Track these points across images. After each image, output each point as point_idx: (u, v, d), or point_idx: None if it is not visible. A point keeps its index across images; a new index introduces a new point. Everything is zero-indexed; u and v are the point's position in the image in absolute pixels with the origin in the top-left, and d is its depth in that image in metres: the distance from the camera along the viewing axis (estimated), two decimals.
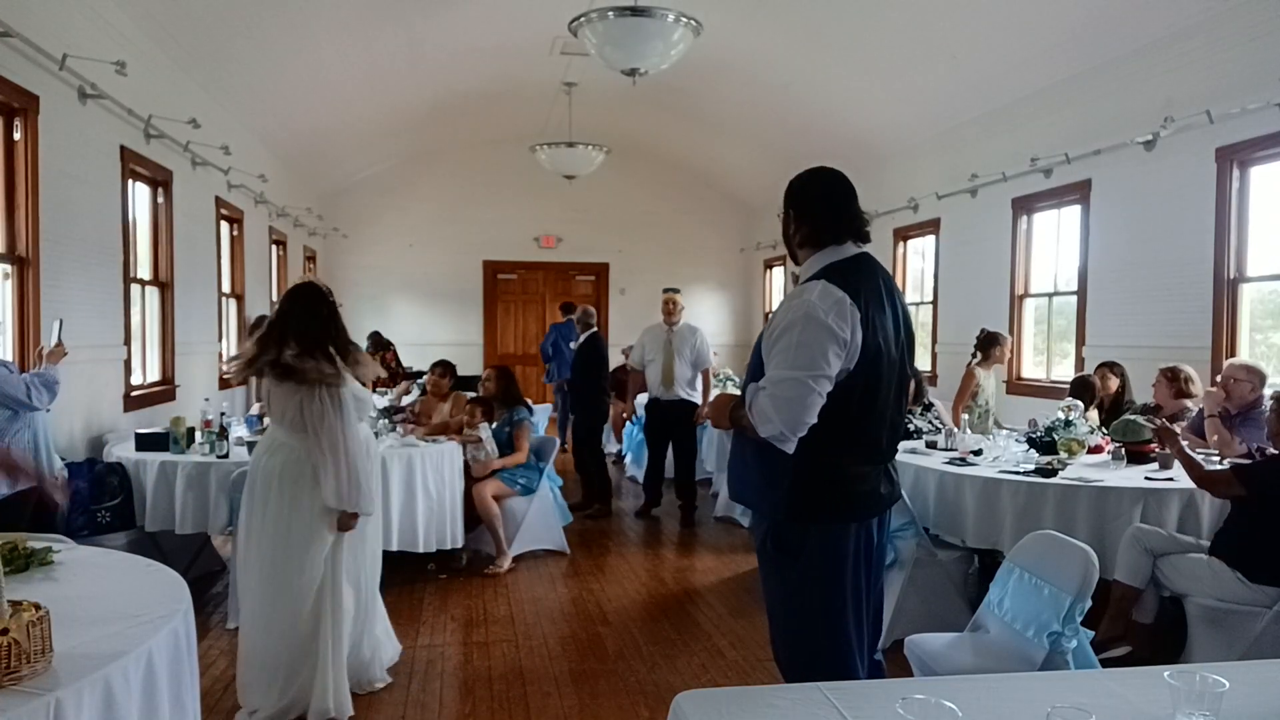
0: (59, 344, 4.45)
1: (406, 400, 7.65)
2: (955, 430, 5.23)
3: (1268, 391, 4.58)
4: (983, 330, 6.92)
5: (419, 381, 7.56)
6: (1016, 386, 7.91)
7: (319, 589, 3.55)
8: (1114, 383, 5.94)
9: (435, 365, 6.50)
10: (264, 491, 3.56)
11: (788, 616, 2.62)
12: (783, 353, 2.45)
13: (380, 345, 11.75)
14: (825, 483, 2.51)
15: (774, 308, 14.69)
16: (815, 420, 2.43)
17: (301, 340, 3.53)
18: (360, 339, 12.49)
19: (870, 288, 2.53)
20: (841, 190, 2.65)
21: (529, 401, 6.51)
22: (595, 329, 7.91)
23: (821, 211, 2.62)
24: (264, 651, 3.52)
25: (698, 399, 7.22)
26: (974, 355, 6.76)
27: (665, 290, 7.42)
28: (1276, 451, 3.84)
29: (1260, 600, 3.60)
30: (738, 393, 2.74)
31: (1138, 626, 3.98)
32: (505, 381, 6.12)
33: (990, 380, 6.74)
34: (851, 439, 2.52)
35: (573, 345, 8.19)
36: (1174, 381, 5.20)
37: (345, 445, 3.49)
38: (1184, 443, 4.05)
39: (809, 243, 2.64)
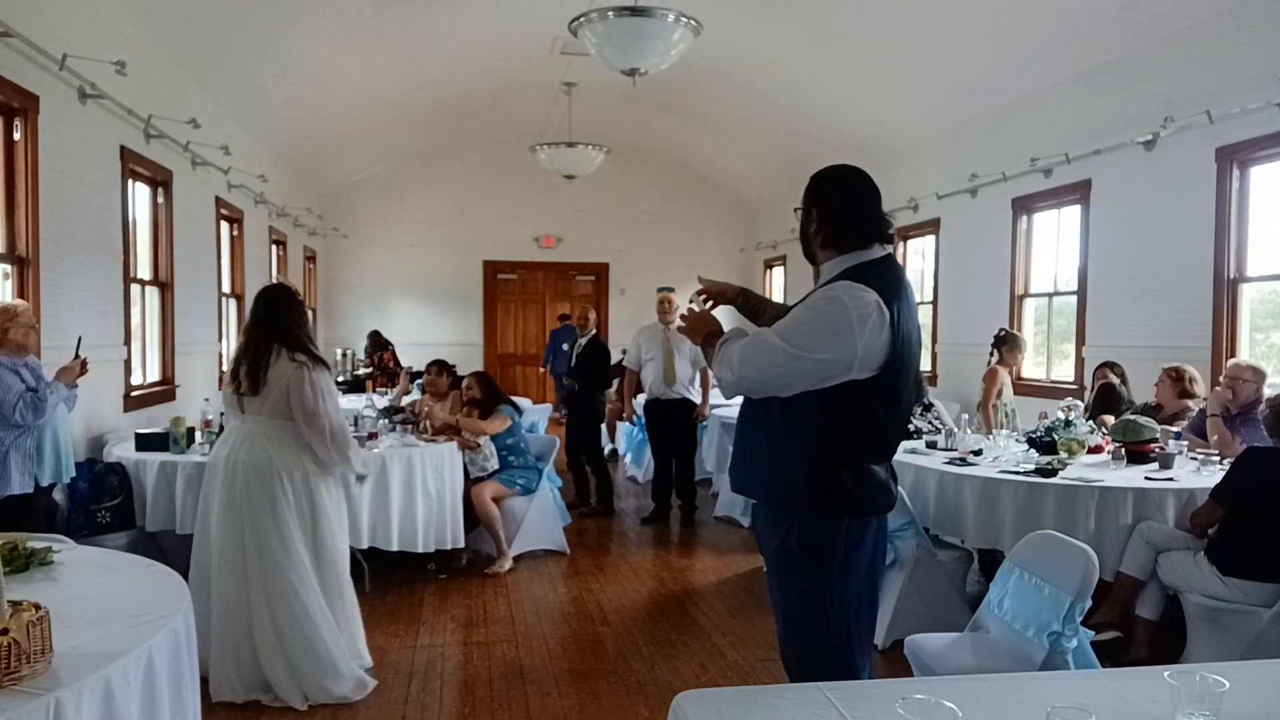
0: (75, 359, 4.42)
1: (405, 400, 7.64)
2: (956, 430, 5.23)
3: (1268, 391, 4.59)
4: (1000, 330, 6.93)
5: (416, 382, 7.56)
6: (1017, 387, 7.90)
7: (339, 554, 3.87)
8: (1114, 381, 5.94)
9: (431, 365, 6.49)
10: (257, 485, 3.67)
11: (807, 616, 2.54)
12: (790, 323, 2.39)
13: (379, 345, 11.76)
14: (843, 473, 2.44)
15: None
16: (785, 395, 2.38)
17: (281, 339, 3.73)
18: (360, 338, 12.58)
19: (900, 292, 2.44)
20: (869, 189, 2.57)
21: (514, 400, 6.53)
22: (595, 332, 7.90)
23: (850, 212, 2.52)
24: (309, 631, 3.68)
25: (698, 398, 7.21)
26: (992, 355, 6.76)
27: (660, 289, 7.40)
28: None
29: (1237, 596, 3.66)
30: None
31: (1142, 623, 4.01)
32: (488, 385, 6.12)
33: (1008, 380, 6.74)
34: (871, 438, 2.47)
35: (566, 347, 8.16)
36: (1178, 381, 5.21)
37: (334, 426, 3.74)
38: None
39: (833, 244, 2.53)
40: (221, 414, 5.17)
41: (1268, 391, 4.59)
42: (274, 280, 4.23)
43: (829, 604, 2.50)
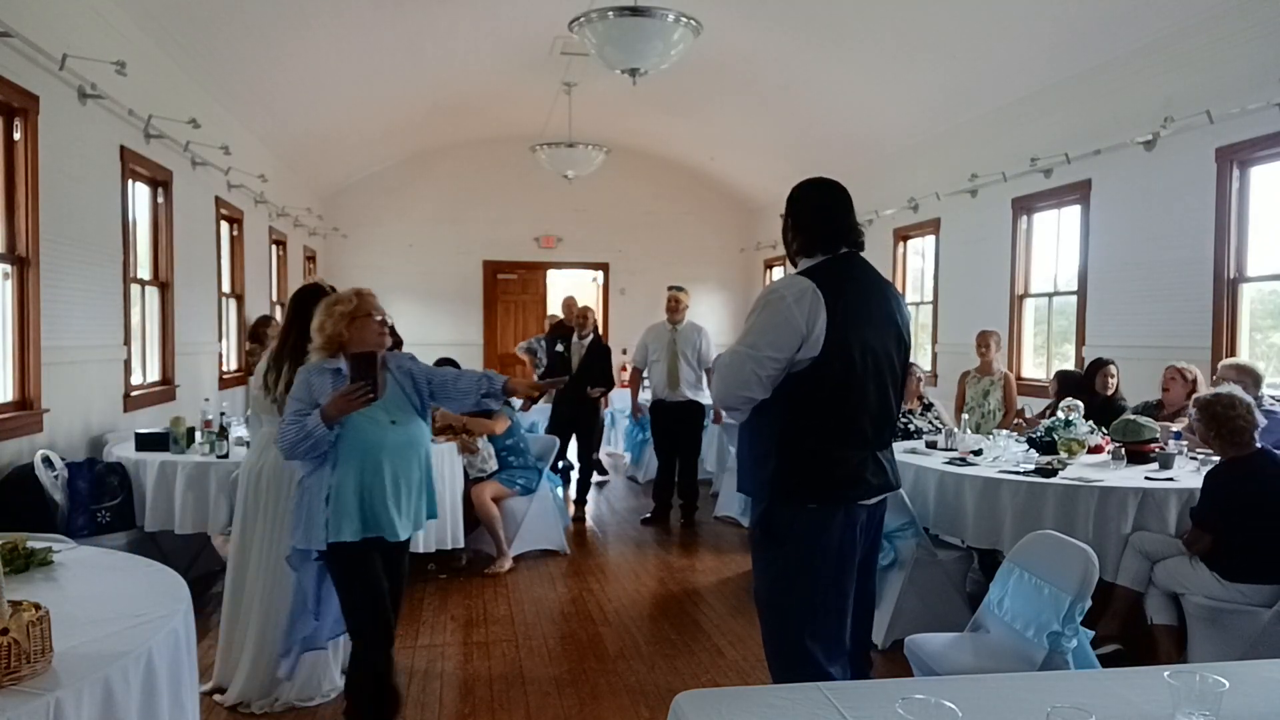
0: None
1: None
2: (955, 430, 5.23)
3: (1267, 392, 4.58)
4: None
5: None
6: (1017, 387, 7.89)
7: None
8: (1110, 381, 5.93)
9: None
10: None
11: (770, 601, 2.72)
12: (744, 329, 2.67)
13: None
14: (804, 463, 2.62)
15: None
16: (760, 394, 2.60)
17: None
18: None
19: (851, 284, 2.66)
20: (837, 200, 2.78)
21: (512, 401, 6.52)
22: (593, 334, 7.81)
23: (817, 221, 2.76)
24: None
25: (704, 399, 7.17)
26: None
27: (670, 288, 7.34)
28: (1209, 450, 3.95)
29: (1237, 598, 3.65)
30: None
31: (1162, 630, 3.95)
32: None
33: (981, 385, 6.70)
34: (829, 424, 2.62)
35: (560, 348, 8.02)
36: (1188, 382, 5.23)
37: None
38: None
39: (804, 250, 2.78)
40: (223, 414, 5.18)
41: (1267, 392, 4.59)
42: (307, 281, 4.17)
43: (790, 589, 2.64)
